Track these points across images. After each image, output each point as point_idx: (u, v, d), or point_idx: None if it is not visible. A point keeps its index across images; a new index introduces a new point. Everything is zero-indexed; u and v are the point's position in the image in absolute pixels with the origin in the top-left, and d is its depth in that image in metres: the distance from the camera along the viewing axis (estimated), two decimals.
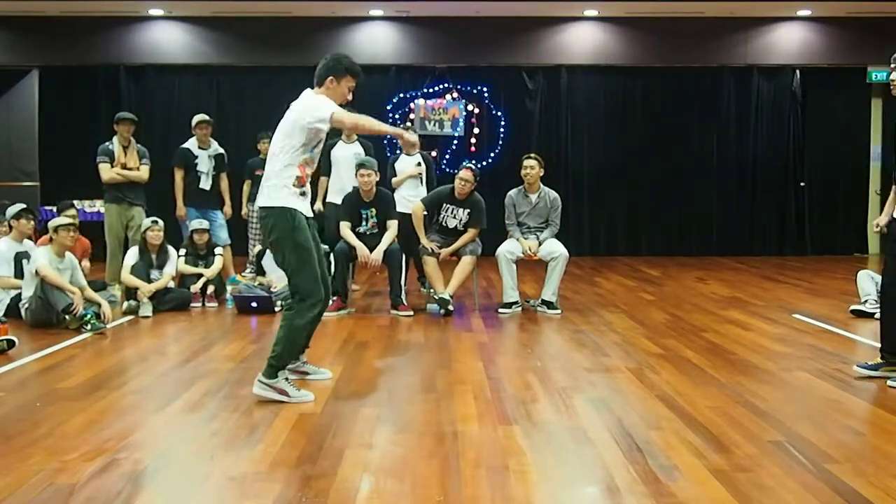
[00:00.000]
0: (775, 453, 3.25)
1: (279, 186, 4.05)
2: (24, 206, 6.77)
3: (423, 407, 3.97)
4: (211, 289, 7.14)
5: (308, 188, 4.18)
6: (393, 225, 6.81)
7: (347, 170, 7.51)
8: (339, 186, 7.58)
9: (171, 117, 11.38)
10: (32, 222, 6.75)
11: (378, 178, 6.87)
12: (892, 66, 4.42)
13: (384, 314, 6.76)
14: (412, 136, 4.90)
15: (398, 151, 8.28)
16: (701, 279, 9.21)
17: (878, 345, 4.63)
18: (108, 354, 5.28)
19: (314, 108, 4.05)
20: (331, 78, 4.14)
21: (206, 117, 7.96)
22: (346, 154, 7.64)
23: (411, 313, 6.66)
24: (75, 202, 10.57)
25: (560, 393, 4.20)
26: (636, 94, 12.12)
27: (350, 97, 4.23)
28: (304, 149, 4.08)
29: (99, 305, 6.20)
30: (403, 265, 6.88)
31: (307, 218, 4.16)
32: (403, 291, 6.82)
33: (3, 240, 6.68)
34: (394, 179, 7.65)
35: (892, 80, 4.44)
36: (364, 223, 6.85)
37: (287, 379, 4.08)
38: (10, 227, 6.73)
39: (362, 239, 6.74)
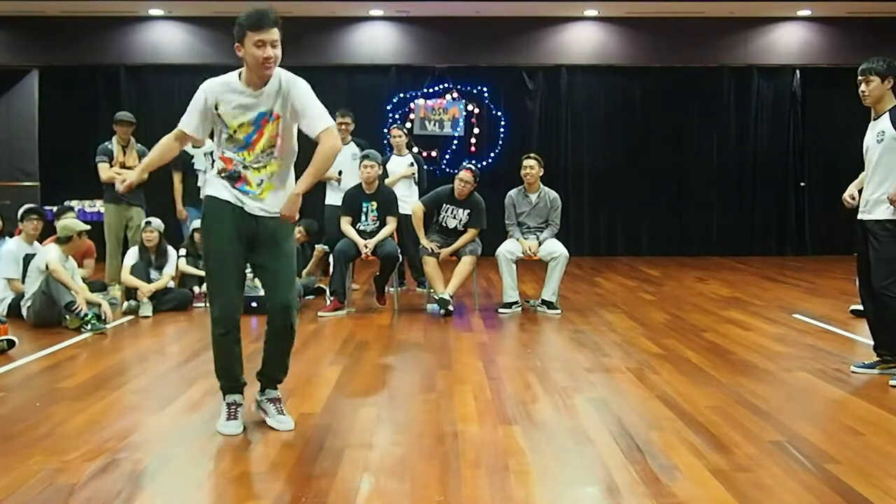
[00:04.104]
0: (775, 453, 3.25)
1: (210, 174, 3.67)
2: (30, 206, 6.75)
3: (423, 407, 3.97)
4: None
5: (251, 174, 3.54)
6: (392, 221, 6.83)
7: (345, 171, 7.58)
8: (337, 187, 7.64)
9: (172, 117, 11.22)
10: (36, 222, 6.71)
11: (381, 172, 6.92)
12: (860, 77, 4.47)
13: (384, 314, 6.76)
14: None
15: (389, 152, 8.30)
16: (701, 279, 9.21)
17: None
18: (108, 354, 5.28)
19: None
20: (237, 45, 3.44)
21: None
22: (343, 155, 7.67)
23: (381, 306, 6.98)
24: (75, 202, 10.61)
25: (560, 393, 4.20)
26: (636, 94, 12.11)
27: (268, 52, 3.39)
28: (217, 138, 3.62)
29: (99, 306, 6.20)
30: (395, 270, 6.92)
31: (260, 217, 3.54)
32: (386, 289, 6.98)
33: (15, 240, 6.68)
34: (386, 181, 7.63)
35: (863, 92, 4.49)
36: (364, 217, 6.85)
37: (233, 404, 3.61)
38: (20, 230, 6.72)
39: (362, 236, 6.76)
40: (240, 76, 3.54)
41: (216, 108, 3.54)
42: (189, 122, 3.63)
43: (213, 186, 3.58)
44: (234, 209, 3.52)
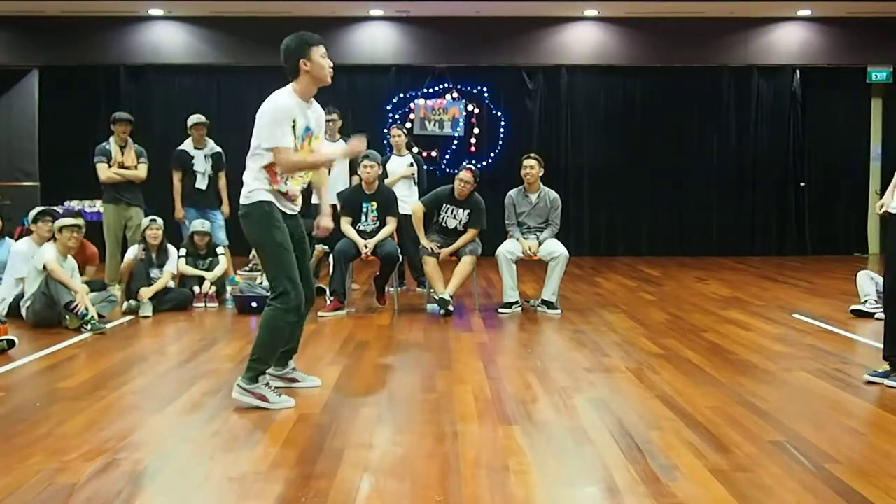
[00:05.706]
0: (775, 453, 3.25)
1: (255, 184, 3.94)
2: (43, 208, 6.76)
3: (423, 407, 3.97)
4: (212, 289, 7.14)
5: (290, 185, 4.00)
6: (392, 221, 6.83)
7: (333, 169, 7.55)
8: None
9: (171, 117, 11.34)
10: (51, 223, 6.69)
11: (381, 172, 6.91)
12: None
13: (384, 314, 6.76)
14: (359, 145, 4.21)
15: (389, 152, 8.29)
16: (701, 279, 9.21)
17: (878, 345, 4.62)
18: (108, 354, 5.27)
19: (266, 126, 3.85)
20: (302, 60, 3.91)
21: (202, 118, 7.90)
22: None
23: (381, 306, 6.97)
24: (75, 202, 10.62)
25: (560, 393, 4.19)
26: (636, 94, 12.11)
27: (330, 61, 4.00)
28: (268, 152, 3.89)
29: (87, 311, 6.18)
30: (396, 270, 6.90)
31: (293, 215, 4.08)
32: (386, 289, 6.97)
33: (26, 240, 6.68)
34: (386, 181, 7.61)
35: None
36: (364, 217, 6.85)
37: (268, 384, 3.96)
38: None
39: (362, 236, 6.75)
40: (293, 93, 3.96)
41: (294, 124, 3.90)
42: (286, 136, 3.88)
43: (266, 195, 3.94)
44: (284, 213, 4.02)
